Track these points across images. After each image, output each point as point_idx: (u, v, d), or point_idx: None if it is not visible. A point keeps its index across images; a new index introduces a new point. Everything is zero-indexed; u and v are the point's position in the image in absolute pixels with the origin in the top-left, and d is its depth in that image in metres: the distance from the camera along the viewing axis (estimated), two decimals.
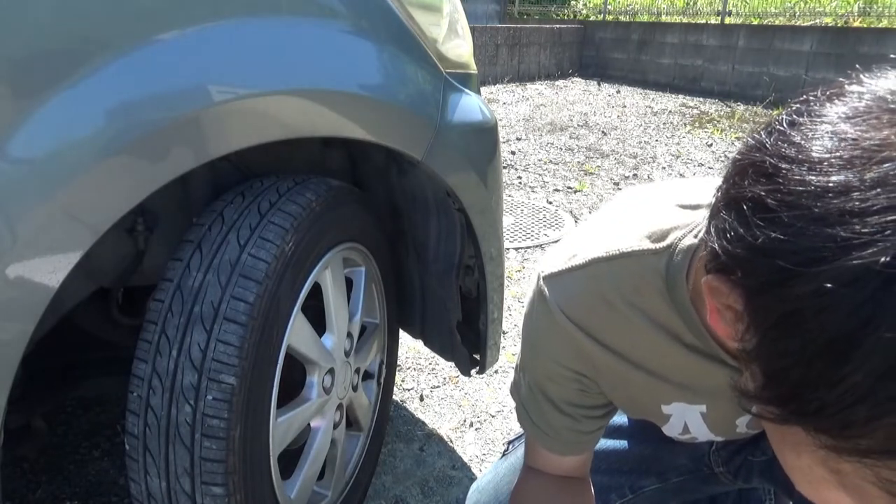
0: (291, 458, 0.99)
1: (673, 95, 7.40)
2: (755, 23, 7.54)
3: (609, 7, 9.69)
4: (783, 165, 0.36)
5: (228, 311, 0.75)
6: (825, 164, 0.35)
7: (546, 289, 0.66)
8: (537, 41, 8.55)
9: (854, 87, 0.38)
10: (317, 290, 0.96)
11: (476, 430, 1.50)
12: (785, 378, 0.36)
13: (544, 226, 2.93)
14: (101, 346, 1.11)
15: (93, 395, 1.52)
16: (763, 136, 0.40)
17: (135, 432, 0.76)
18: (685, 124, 5.58)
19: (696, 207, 0.60)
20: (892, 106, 0.35)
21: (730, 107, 6.60)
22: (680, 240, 0.58)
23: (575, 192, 3.50)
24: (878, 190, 0.32)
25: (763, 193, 0.37)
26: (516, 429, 1.48)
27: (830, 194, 0.33)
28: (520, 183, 3.64)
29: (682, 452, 0.93)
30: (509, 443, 1.01)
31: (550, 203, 3.28)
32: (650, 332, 0.62)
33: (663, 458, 0.93)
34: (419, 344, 1.50)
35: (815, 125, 0.37)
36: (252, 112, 0.74)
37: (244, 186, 0.89)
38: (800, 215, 0.34)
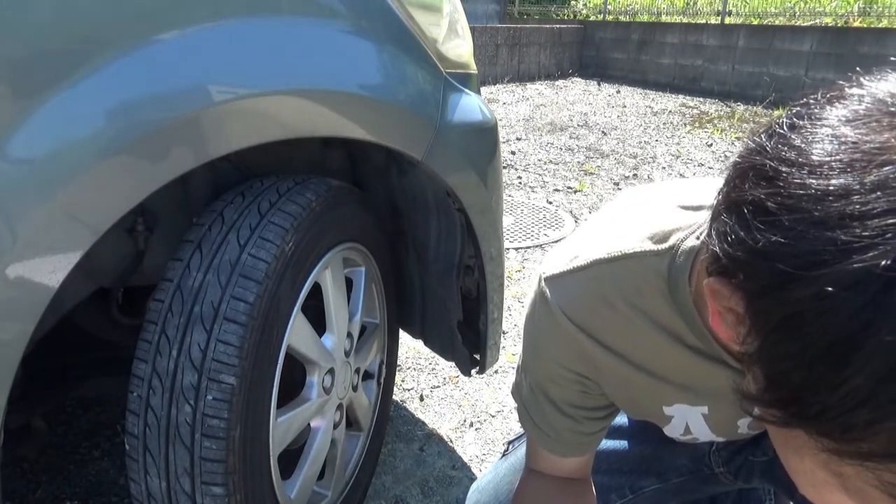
0: (291, 458, 0.99)
1: (673, 95, 7.40)
2: (755, 23, 7.54)
3: (609, 7, 9.69)
4: (783, 169, 0.36)
5: (228, 311, 0.75)
6: (825, 167, 0.35)
7: (547, 290, 0.66)
8: (537, 41, 8.55)
9: (854, 90, 0.38)
10: (317, 290, 0.96)
11: (476, 430, 1.50)
12: (786, 381, 0.36)
13: (544, 226, 2.93)
14: (101, 346, 1.11)
15: (93, 395, 1.52)
16: (763, 139, 0.40)
17: (135, 432, 0.76)
18: (685, 124, 5.58)
19: (697, 208, 0.60)
20: (893, 109, 0.35)
21: (730, 107, 6.60)
22: (682, 241, 0.58)
23: (575, 192, 3.50)
24: (879, 193, 0.32)
25: (763, 197, 0.37)
26: (516, 429, 1.48)
27: (831, 198, 0.33)
28: (520, 183, 3.64)
29: (683, 453, 0.93)
30: (509, 443, 1.01)
31: (550, 203, 3.28)
32: (652, 334, 0.62)
33: (663, 458, 0.93)
34: (419, 344, 1.50)
35: (816, 128, 0.37)
36: (252, 112, 0.74)
37: (244, 186, 0.89)
38: (800, 219, 0.34)
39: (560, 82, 8.44)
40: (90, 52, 0.60)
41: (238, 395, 0.75)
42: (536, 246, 2.68)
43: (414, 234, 1.23)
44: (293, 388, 0.95)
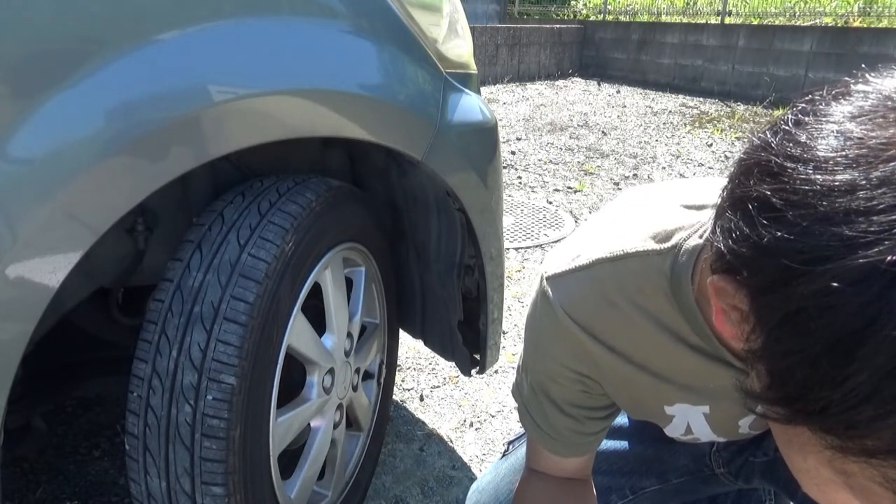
0: (291, 458, 0.99)
1: (673, 95, 7.40)
2: (755, 23, 7.54)
3: (609, 7, 9.69)
4: (789, 165, 0.36)
5: (228, 311, 0.75)
6: (831, 162, 0.34)
7: (549, 290, 0.66)
8: (537, 41, 8.55)
9: (860, 87, 0.38)
10: (317, 290, 0.96)
11: (476, 430, 1.50)
12: (790, 378, 0.36)
13: (544, 226, 2.93)
14: (101, 346, 1.11)
15: (93, 395, 1.52)
16: (768, 135, 0.40)
17: (135, 432, 0.76)
18: (685, 124, 5.58)
19: (700, 208, 0.60)
20: None
21: (730, 107, 6.60)
22: (685, 240, 0.57)
23: (575, 192, 3.50)
24: (884, 189, 0.32)
25: (769, 193, 0.37)
26: (516, 429, 1.48)
27: (836, 193, 0.33)
28: (520, 183, 3.64)
29: (683, 453, 0.93)
30: (509, 443, 1.01)
31: (550, 203, 3.28)
32: (654, 334, 0.62)
33: (664, 458, 0.93)
34: (419, 344, 1.50)
35: (821, 124, 0.37)
36: (252, 112, 0.74)
37: (244, 186, 0.89)
38: (805, 214, 0.34)
39: (560, 82, 8.44)
40: (90, 52, 0.60)
41: (238, 395, 0.75)
42: (536, 246, 2.68)
43: (414, 233, 1.23)
44: (293, 388, 0.95)
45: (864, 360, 0.31)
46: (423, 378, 1.71)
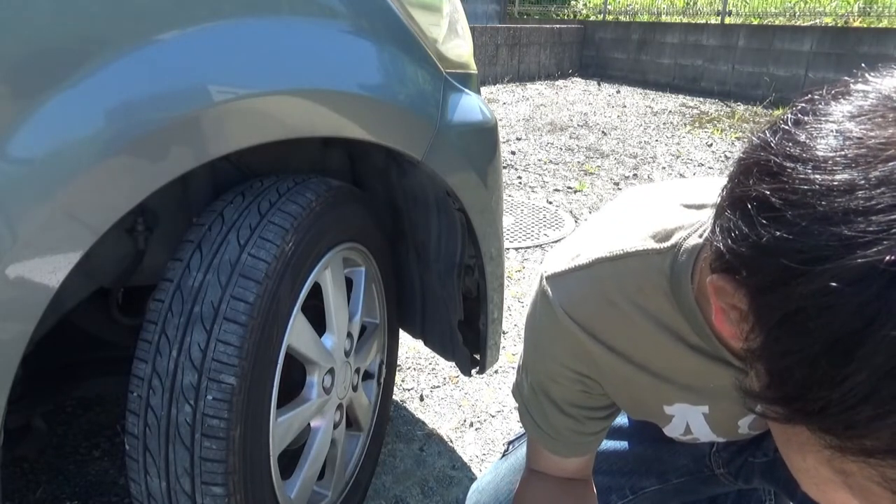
0: (291, 458, 0.99)
1: (673, 95, 7.40)
2: (755, 23, 7.54)
3: (609, 7, 9.69)
4: (788, 164, 0.36)
5: (228, 311, 0.75)
6: (830, 162, 0.34)
7: (549, 289, 0.66)
8: (537, 41, 8.55)
9: (860, 86, 0.38)
10: (317, 290, 0.96)
11: (476, 430, 1.50)
12: (789, 377, 0.36)
13: (544, 226, 2.93)
14: (101, 346, 1.11)
15: (93, 395, 1.52)
16: (768, 135, 0.40)
17: (135, 432, 0.76)
18: (685, 124, 5.58)
19: (700, 207, 0.60)
20: None
21: (730, 107, 6.60)
22: (684, 240, 0.57)
23: (575, 192, 3.50)
24: (884, 189, 0.32)
25: (768, 192, 0.37)
26: (516, 429, 1.48)
27: (835, 193, 0.33)
28: (520, 183, 3.64)
29: (683, 453, 0.93)
30: (509, 443, 1.01)
31: (550, 203, 3.28)
32: (654, 333, 0.62)
33: (664, 459, 0.93)
34: (419, 344, 1.50)
35: (821, 124, 0.37)
36: (252, 112, 0.74)
37: (244, 186, 0.89)
38: (804, 214, 0.34)
39: (560, 82, 8.44)
40: (90, 52, 0.60)
41: (238, 395, 0.75)
42: (536, 246, 2.68)
43: (414, 233, 1.23)
44: (293, 388, 0.95)
45: (863, 360, 0.31)
46: (423, 378, 1.71)
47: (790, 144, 0.37)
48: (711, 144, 4.77)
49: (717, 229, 0.42)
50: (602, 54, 9.02)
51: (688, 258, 0.56)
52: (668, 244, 0.59)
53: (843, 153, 0.34)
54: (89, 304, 0.91)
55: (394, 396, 1.58)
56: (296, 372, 0.95)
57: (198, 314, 0.75)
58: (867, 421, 0.32)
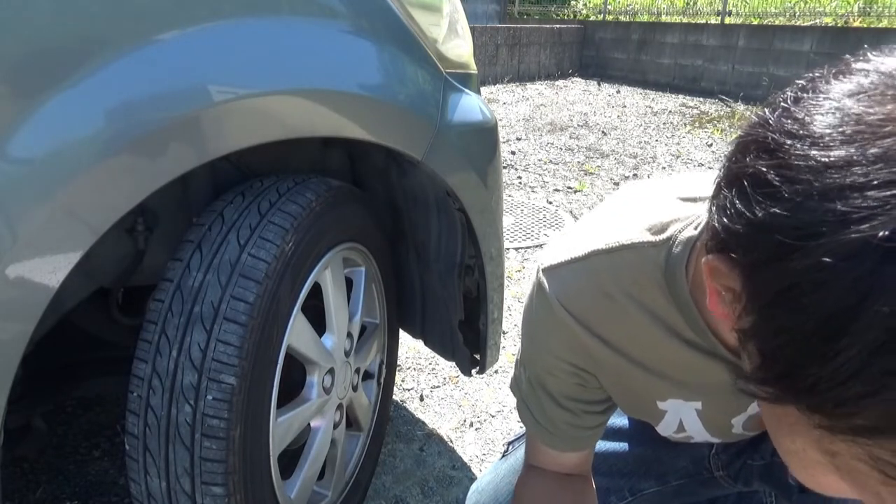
0: (291, 458, 0.99)
1: (673, 95, 7.40)
2: (755, 23, 7.54)
3: (609, 7, 9.69)
4: (785, 141, 0.36)
5: (228, 311, 0.75)
6: (827, 139, 0.34)
7: (545, 281, 0.66)
8: (537, 41, 8.55)
9: (860, 65, 0.38)
10: (317, 290, 0.96)
11: (476, 430, 1.50)
12: (781, 355, 0.36)
13: (544, 226, 2.93)
14: (101, 346, 1.11)
15: (93, 395, 1.52)
16: (767, 112, 0.40)
17: (135, 432, 0.76)
18: (685, 124, 5.58)
19: (696, 200, 0.60)
20: None
21: (730, 107, 6.60)
22: (680, 232, 0.57)
23: (575, 192, 3.50)
24: (881, 165, 0.32)
25: (764, 169, 0.37)
26: (516, 429, 1.48)
27: (832, 169, 0.33)
28: (520, 183, 3.64)
29: (683, 456, 0.93)
30: (509, 443, 1.01)
31: (550, 203, 3.28)
32: (649, 327, 0.62)
33: (663, 460, 0.93)
34: (419, 344, 1.50)
35: (819, 101, 0.37)
36: (252, 112, 0.74)
37: (244, 186, 0.89)
38: (800, 190, 0.34)
39: (560, 82, 8.44)
40: (90, 52, 0.60)
41: (238, 395, 0.75)
42: (536, 246, 2.68)
43: (414, 233, 1.23)
44: (293, 388, 0.95)
45: (855, 335, 0.31)
46: (423, 378, 1.71)
47: (789, 121, 0.37)
48: (711, 144, 4.77)
49: (714, 208, 0.42)
50: (602, 54, 9.02)
51: (682, 250, 0.56)
52: (663, 237, 0.59)
53: (841, 129, 0.34)
54: (89, 304, 0.91)
55: (394, 396, 1.58)
56: (296, 372, 0.95)
57: (198, 314, 0.75)
58: (856, 398, 0.32)
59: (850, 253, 0.31)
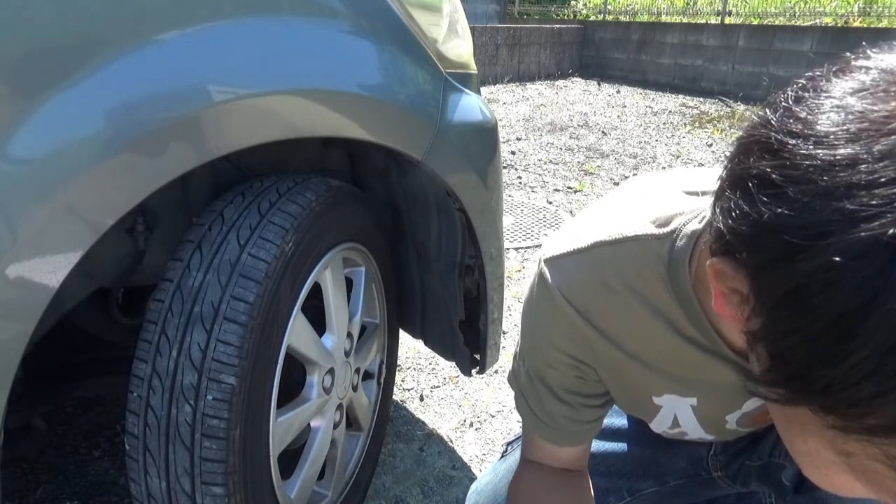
0: (291, 458, 0.99)
1: (673, 95, 7.40)
2: (755, 23, 7.54)
3: (609, 7, 9.69)
4: (789, 140, 0.36)
5: (228, 311, 0.75)
6: (832, 137, 0.34)
7: (547, 272, 0.65)
8: (537, 41, 8.55)
9: (860, 62, 0.38)
10: (317, 290, 0.96)
11: (476, 430, 1.50)
12: (791, 357, 0.36)
13: (544, 226, 2.93)
14: (101, 346, 1.11)
15: (93, 395, 1.52)
16: (768, 113, 0.39)
17: (135, 432, 0.76)
18: (685, 124, 5.58)
19: (701, 194, 0.59)
20: None
21: (730, 107, 6.60)
22: (684, 225, 0.57)
23: (575, 192, 3.50)
24: (886, 162, 0.31)
25: (768, 169, 0.36)
26: (516, 429, 1.48)
27: (837, 167, 0.33)
28: (520, 183, 3.64)
29: (681, 456, 0.92)
30: (508, 444, 1.01)
31: (550, 203, 3.28)
32: (649, 321, 0.61)
33: (662, 461, 0.93)
34: (419, 344, 1.50)
35: (821, 100, 0.36)
36: (252, 112, 0.74)
37: (244, 186, 0.89)
38: (806, 190, 0.34)
39: (560, 82, 8.44)
40: (90, 52, 0.60)
41: (238, 395, 0.75)
42: (536, 246, 2.68)
43: (414, 233, 1.23)
44: (293, 388, 0.95)
45: (867, 335, 0.31)
46: (423, 378, 1.71)
47: (791, 121, 0.37)
48: (711, 144, 4.77)
49: (717, 210, 0.41)
50: (602, 54, 9.02)
51: (686, 244, 0.56)
52: (667, 230, 0.58)
53: (844, 128, 0.34)
54: (89, 304, 0.91)
55: (394, 396, 1.58)
56: (296, 372, 0.95)
57: (198, 314, 0.75)
58: (870, 398, 0.32)
59: (860, 252, 0.31)
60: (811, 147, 0.35)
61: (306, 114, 0.81)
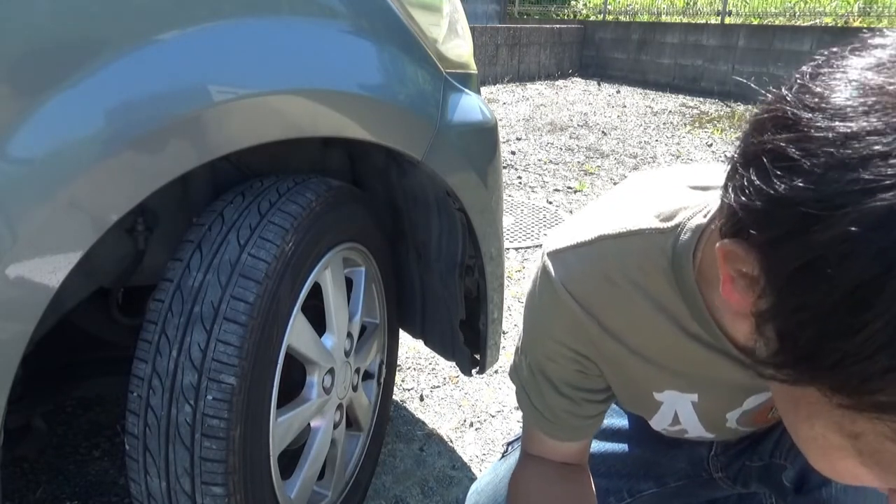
0: (291, 458, 0.99)
1: (673, 95, 7.40)
2: (755, 23, 7.54)
3: (609, 7, 9.69)
4: (805, 115, 0.36)
5: (228, 311, 0.75)
6: (848, 110, 0.34)
7: (550, 265, 0.65)
8: (537, 41, 8.55)
9: (877, 40, 0.38)
10: (317, 290, 0.96)
11: (476, 430, 1.50)
12: (802, 334, 0.36)
13: (544, 226, 2.93)
14: (101, 346, 1.11)
15: (93, 395, 1.52)
16: (783, 90, 0.39)
17: (135, 432, 0.76)
18: (685, 124, 5.58)
19: (706, 189, 0.59)
20: None
21: (730, 107, 6.60)
22: (688, 219, 0.57)
23: (575, 192, 3.50)
24: None
25: (783, 144, 0.36)
26: (516, 429, 1.48)
27: (854, 140, 0.33)
28: (520, 183, 3.64)
29: (682, 457, 0.92)
30: (508, 444, 1.01)
31: (550, 203, 3.28)
32: (652, 315, 0.61)
33: (662, 462, 0.93)
34: (419, 344, 1.50)
35: (838, 75, 0.37)
36: (252, 112, 0.74)
37: (244, 186, 0.89)
38: (822, 162, 0.34)
39: (560, 82, 8.44)
40: (90, 52, 0.60)
41: (238, 395, 0.75)
42: (536, 246, 2.68)
43: (414, 233, 1.23)
44: (293, 388, 0.95)
45: (882, 306, 0.31)
46: (423, 378, 1.71)
47: (807, 96, 0.37)
48: (711, 144, 4.77)
49: (730, 189, 0.41)
50: (602, 54, 9.02)
51: (690, 238, 0.56)
52: (671, 224, 0.58)
53: (861, 101, 0.34)
54: (89, 304, 0.91)
55: (394, 396, 1.58)
56: (296, 372, 0.95)
57: (198, 314, 0.75)
58: (882, 372, 0.32)
59: (876, 222, 0.31)
60: (827, 120, 0.35)
61: (306, 114, 0.81)
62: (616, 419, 0.98)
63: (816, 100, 0.36)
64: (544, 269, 0.66)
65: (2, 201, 0.55)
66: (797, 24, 7.25)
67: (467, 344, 1.26)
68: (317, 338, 0.95)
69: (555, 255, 0.66)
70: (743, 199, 0.39)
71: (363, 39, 0.91)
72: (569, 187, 3.57)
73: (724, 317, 0.56)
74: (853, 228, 0.32)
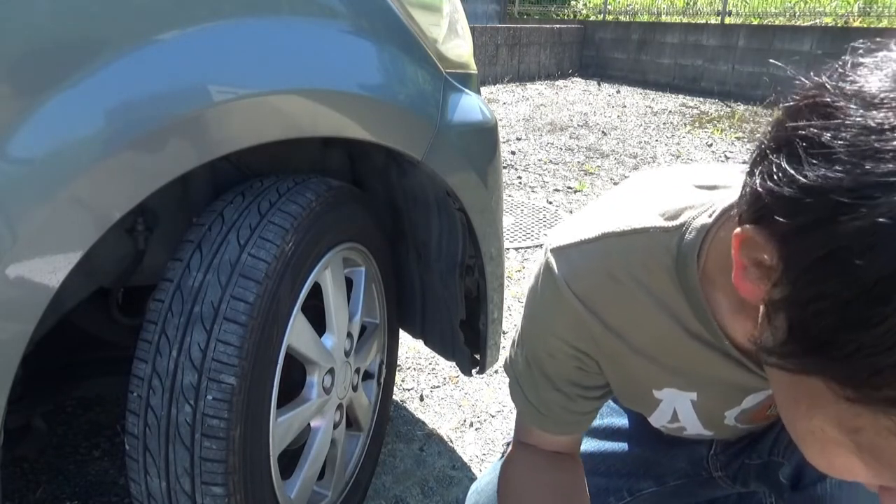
0: (291, 458, 0.99)
1: (673, 95, 7.40)
2: (755, 23, 7.54)
3: (609, 7, 9.69)
4: (842, 103, 0.36)
5: (228, 311, 0.75)
6: (887, 100, 0.34)
7: (553, 261, 0.65)
8: (537, 41, 8.55)
9: None
10: (317, 290, 0.96)
11: (476, 430, 1.50)
12: (816, 324, 0.35)
13: (544, 226, 2.93)
14: (101, 346, 1.11)
15: (93, 395, 1.52)
16: (823, 77, 0.39)
17: (135, 432, 0.76)
18: (685, 124, 5.58)
19: (712, 188, 0.59)
20: None
21: (730, 107, 6.60)
22: (693, 219, 0.57)
23: (575, 192, 3.50)
24: None
25: (817, 131, 0.36)
26: None
27: (891, 131, 0.33)
28: (520, 183, 3.64)
29: (681, 456, 0.92)
30: (508, 444, 1.00)
31: (550, 203, 3.28)
32: (654, 314, 0.61)
33: (662, 461, 0.93)
34: (419, 344, 1.50)
35: (880, 66, 0.37)
36: (252, 112, 0.74)
37: (244, 186, 0.89)
38: (857, 151, 0.34)
39: (560, 82, 8.44)
40: (90, 52, 0.60)
41: (238, 395, 0.75)
42: (536, 246, 2.68)
43: (414, 233, 1.23)
44: (293, 388, 0.95)
45: None
46: (423, 378, 1.71)
47: (846, 84, 0.37)
48: (711, 144, 4.77)
49: (757, 174, 0.41)
50: (602, 54, 9.02)
51: (695, 237, 0.56)
52: (676, 223, 0.58)
53: None
54: (89, 304, 0.91)
55: (394, 396, 1.58)
56: (296, 372, 0.95)
57: (198, 314, 0.75)
58: (894, 366, 0.32)
59: None
60: (865, 110, 0.35)
61: (306, 114, 0.81)
62: (616, 418, 0.98)
63: (855, 88, 0.36)
64: (547, 265, 0.66)
65: (2, 201, 0.55)
66: (797, 24, 7.25)
67: (467, 344, 1.26)
68: (317, 338, 0.95)
69: (558, 251, 0.65)
70: (770, 184, 0.38)
71: (363, 39, 0.91)
72: (569, 187, 3.57)
73: (724, 317, 0.56)
74: (882, 220, 0.31)
